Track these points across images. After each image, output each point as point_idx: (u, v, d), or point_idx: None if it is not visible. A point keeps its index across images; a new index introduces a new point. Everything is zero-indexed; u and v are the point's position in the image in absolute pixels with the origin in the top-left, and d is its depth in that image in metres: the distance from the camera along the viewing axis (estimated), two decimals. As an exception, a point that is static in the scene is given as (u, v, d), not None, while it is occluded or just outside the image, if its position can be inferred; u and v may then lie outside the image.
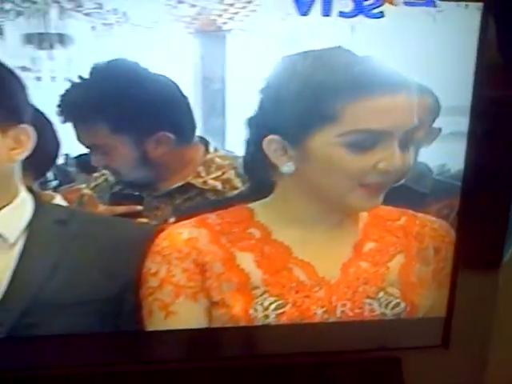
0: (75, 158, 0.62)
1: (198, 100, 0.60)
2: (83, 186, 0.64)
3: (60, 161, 0.60)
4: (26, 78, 0.53)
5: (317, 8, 0.53)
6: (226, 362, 0.60)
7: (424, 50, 0.58)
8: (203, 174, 0.67)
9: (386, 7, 0.55)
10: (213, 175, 0.67)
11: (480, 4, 0.55)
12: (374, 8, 0.54)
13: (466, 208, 0.58)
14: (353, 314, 0.55)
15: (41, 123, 0.55)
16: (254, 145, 0.56)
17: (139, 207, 0.63)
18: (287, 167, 0.52)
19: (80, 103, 0.59)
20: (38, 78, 0.55)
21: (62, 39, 0.54)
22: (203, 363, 0.59)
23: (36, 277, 0.54)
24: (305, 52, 0.51)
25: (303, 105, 0.50)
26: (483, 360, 0.64)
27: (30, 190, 0.57)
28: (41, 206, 0.57)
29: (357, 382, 0.64)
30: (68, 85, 0.58)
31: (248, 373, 0.61)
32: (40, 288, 0.54)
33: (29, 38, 0.54)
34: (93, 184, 0.66)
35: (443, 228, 0.59)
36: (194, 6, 0.53)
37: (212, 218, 0.55)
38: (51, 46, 0.54)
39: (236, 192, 0.66)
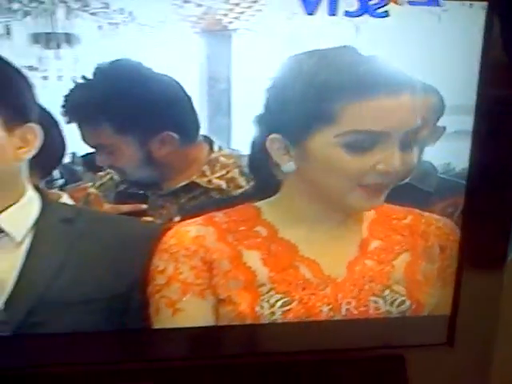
0: (82, 156, 0.63)
1: (204, 99, 0.61)
2: (89, 184, 0.65)
3: (66, 159, 0.61)
4: (33, 78, 0.53)
5: (323, 7, 0.53)
6: (230, 360, 0.61)
7: (428, 49, 0.58)
8: (208, 173, 0.67)
9: (390, 6, 0.55)
10: (217, 174, 0.67)
11: (485, 3, 0.55)
12: (379, 7, 0.54)
13: (470, 207, 0.59)
14: (357, 313, 0.55)
15: (47, 122, 0.55)
16: (259, 144, 0.56)
17: (144, 206, 0.64)
18: (288, 166, 0.53)
19: (84, 103, 0.60)
20: (45, 78, 0.55)
21: (68, 39, 0.54)
22: (208, 361, 0.59)
23: (42, 275, 0.54)
24: (308, 52, 0.51)
25: (304, 105, 0.50)
26: (488, 358, 0.64)
27: (36, 188, 0.58)
28: (47, 204, 0.57)
29: (361, 380, 0.64)
30: (73, 85, 0.58)
31: (252, 371, 0.61)
32: (46, 286, 0.54)
33: (36, 38, 0.54)
34: (98, 183, 0.67)
35: (449, 227, 0.59)
36: (200, 5, 0.53)
37: (219, 216, 0.56)
38: (58, 46, 0.55)
39: (241, 191, 0.66)
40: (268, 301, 0.53)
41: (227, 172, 0.67)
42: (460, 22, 0.58)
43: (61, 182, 0.62)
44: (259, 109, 0.54)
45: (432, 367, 0.63)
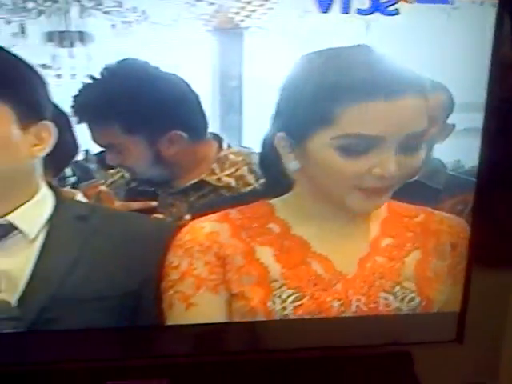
0: (95, 154, 0.63)
1: (216, 97, 0.61)
2: (101, 182, 0.65)
3: (80, 157, 0.61)
4: (47, 76, 0.54)
5: (336, 5, 0.54)
6: (240, 356, 0.61)
7: (438, 46, 0.58)
8: (217, 170, 0.68)
9: (400, 5, 0.56)
10: (226, 172, 0.67)
11: (495, 1, 0.56)
12: (390, 5, 0.54)
13: (480, 204, 0.59)
14: (368, 309, 0.55)
15: (61, 120, 0.56)
16: (269, 142, 0.57)
17: (154, 203, 0.64)
18: (293, 165, 0.53)
19: (92, 103, 0.60)
20: (59, 76, 0.55)
21: (82, 37, 0.55)
22: (223, 357, 0.59)
23: (56, 272, 0.55)
24: (316, 52, 0.52)
25: (306, 105, 0.50)
26: (497, 355, 0.64)
27: (50, 186, 0.58)
28: (61, 202, 0.58)
29: (370, 376, 0.65)
30: (82, 85, 0.59)
31: (261, 367, 0.61)
32: (60, 283, 0.55)
33: (50, 36, 0.55)
34: (109, 181, 0.67)
35: (460, 225, 0.59)
36: (212, 3, 0.53)
37: (233, 213, 0.56)
38: (71, 44, 0.55)
39: (252, 188, 0.66)
40: (280, 296, 0.54)
41: (236, 170, 0.68)
42: (470, 20, 0.58)
43: (73, 179, 0.63)
44: (271, 107, 0.55)
45: (441, 364, 0.63)
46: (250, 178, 0.67)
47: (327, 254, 0.55)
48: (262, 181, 0.67)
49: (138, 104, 0.61)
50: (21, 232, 0.55)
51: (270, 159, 0.57)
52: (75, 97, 0.59)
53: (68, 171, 0.63)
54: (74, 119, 0.58)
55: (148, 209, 0.63)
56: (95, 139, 0.63)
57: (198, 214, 0.59)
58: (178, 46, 0.54)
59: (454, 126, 0.68)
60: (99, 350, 0.58)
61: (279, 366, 0.62)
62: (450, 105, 0.67)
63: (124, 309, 0.57)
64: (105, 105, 0.61)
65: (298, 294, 0.54)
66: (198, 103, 0.63)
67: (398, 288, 0.56)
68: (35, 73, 0.53)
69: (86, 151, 0.63)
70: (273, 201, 0.57)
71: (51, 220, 0.56)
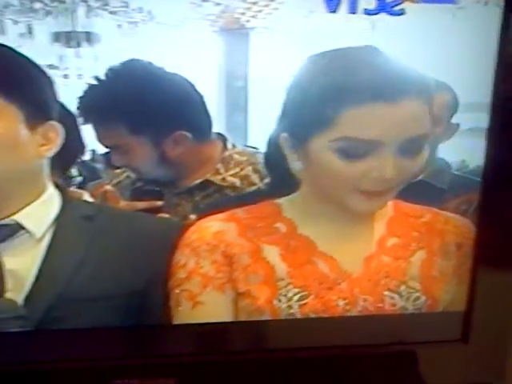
0: (102, 154, 0.64)
1: (222, 97, 0.62)
2: (106, 182, 0.66)
3: (87, 157, 0.62)
4: (54, 76, 0.54)
5: (344, 5, 0.54)
6: (244, 355, 0.61)
7: (443, 46, 0.59)
8: (222, 170, 0.68)
9: (405, 4, 0.56)
10: (231, 172, 0.68)
11: (500, 1, 0.56)
12: (396, 5, 0.54)
13: (486, 204, 0.59)
14: (374, 309, 0.55)
15: (68, 120, 0.56)
16: (274, 141, 0.57)
17: (160, 203, 0.65)
18: (296, 165, 0.54)
19: (97, 105, 0.61)
20: (66, 76, 0.56)
21: (88, 37, 0.55)
22: (231, 356, 0.59)
23: (62, 271, 0.55)
24: (320, 53, 0.52)
25: (309, 106, 0.50)
26: (503, 354, 0.64)
27: (57, 186, 0.58)
28: (68, 202, 0.58)
29: (375, 376, 0.65)
30: (90, 84, 0.59)
31: (265, 366, 0.61)
32: (66, 283, 0.55)
33: (57, 37, 0.55)
34: (115, 180, 0.68)
35: (465, 225, 0.59)
36: (218, 4, 0.54)
37: (240, 212, 0.57)
38: (78, 44, 0.56)
39: (257, 188, 0.67)
40: (285, 295, 0.54)
41: (241, 169, 0.68)
42: (475, 20, 0.58)
43: (79, 179, 0.63)
44: (276, 107, 0.55)
45: (446, 363, 0.63)
46: (255, 178, 0.68)
47: (333, 254, 0.55)
48: (266, 180, 0.67)
49: (142, 105, 0.61)
50: (27, 232, 0.55)
51: (275, 159, 0.57)
52: (80, 98, 0.60)
53: (74, 171, 0.63)
54: (79, 120, 0.59)
55: (153, 208, 0.64)
56: (100, 140, 0.64)
57: (203, 213, 0.59)
58: (183, 46, 0.55)
59: (458, 125, 0.68)
60: (106, 349, 0.58)
61: (284, 366, 0.62)
62: (455, 104, 0.67)
63: (130, 308, 0.57)
64: (110, 106, 0.61)
65: (303, 293, 0.54)
66: (203, 103, 0.63)
67: (403, 287, 0.56)
68: (43, 73, 0.54)
69: (93, 151, 0.63)
70: (280, 200, 0.58)
71: (58, 220, 0.56)
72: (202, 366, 0.59)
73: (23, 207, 0.55)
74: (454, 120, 0.66)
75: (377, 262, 0.56)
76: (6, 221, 0.54)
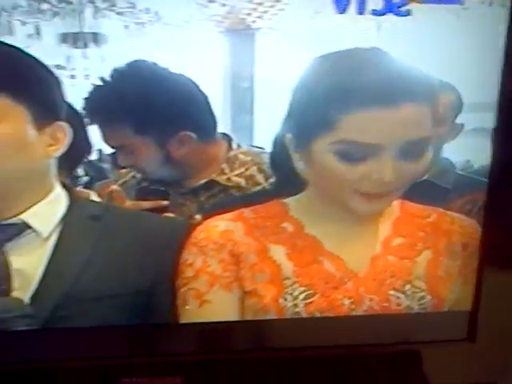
0: (109, 154, 0.64)
1: (227, 98, 0.62)
2: (114, 182, 0.66)
3: (93, 157, 0.62)
4: (61, 76, 0.54)
5: (352, 6, 0.54)
6: (251, 354, 0.62)
7: (447, 47, 0.59)
8: (227, 170, 0.68)
9: (411, 5, 0.56)
10: (236, 172, 0.68)
11: (505, 2, 0.56)
12: (402, 6, 0.55)
13: (492, 204, 0.59)
14: (380, 308, 0.56)
15: (75, 120, 0.56)
16: (280, 141, 0.57)
17: (165, 202, 0.65)
18: (300, 165, 0.54)
19: (103, 105, 0.61)
20: (73, 76, 0.56)
21: (95, 38, 0.56)
22: (237, 355, 0.60)
23: (69, 270, 0.55)
24: (324, 55, 0.52)
25: (312, 108, 0.51)
26: (509, 353, 0.64)
27: (64, 185, 0.58)
28: (75, 201, 0.58)
29: (380, 375, 0.65)
30: (95, 85, 0.59)
31: (271, 364, 0.62)
32: (73, 281, 0.55)
33: (64, 37, 0.55)
34: (121, 180, 0.68)
35: (471, 226, 0.59)
36: (224, 5, 0.54)
37: (248, 212, 0.57)
38: (85, 45, 0.56)
39: (262, 188, 0.67)
40: (291, 293, 0.54)
41: (246, 169, 0.68)
42: (479, 20, 0.58)
43: (85, 179, 0.64)
44: (282, 107, 0.55)
45: (451, 363, 0.63)
46: (260, 178, 0.68)
47: (339, 253, 0.56)
48: (271, 180, 0.67)
49: (147, 105, 0.61)
50: (34, 231, 0.55)
51: (280, 159, 0.58)
52: (86, 99, 0.60)
53: (80, 171, 0.63)
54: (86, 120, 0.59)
55: (159, 208, 0.64)
56: (106, 140, 0.64)
57: (208, 213, 0.60)
58: (190, 46, 0.55)
59: (462, 125, 0.68)
60: (114, 348, 0.59)
61: (290, 364, 0.62)
62: (459, 105, 0.67)
63: (136, 307, 0.57)
64: (115, 106, 0.62)
65: (309, 292, 0.54)
66: (207, 103, 0.64)
67: (408, 286, 0.56)
68: (51, 73, 0.54)
69: (100, 151, 0.63)
70: (287, 200, 0.58)
71: (65, 219, 0.56)
72: (208, 364, 0.59)
73: (30, 206, 0.55)
74: (458, 120, 0.67)
75: (382, 261, 0.56)
76: (13, 220, 0.54)
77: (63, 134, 0.54)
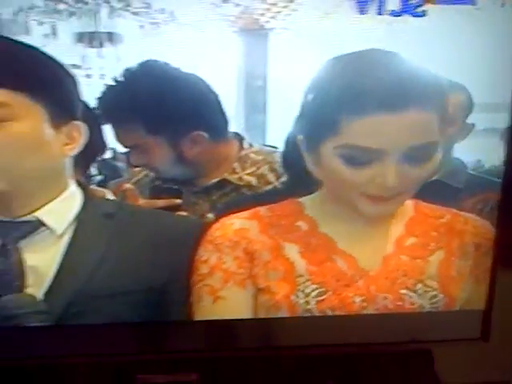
0: (123, 153, 0.65)
1: (241, 97, 0.62)
2: (128, 180, 0.67)
3: (108, 156, 0.63)
4: (77, 76, 0.55)
5: (372, 7, 0.54)
6: (261, 352, 0.62)
7: (459, 47, 0.59)
8: (238, 169, 0.69)
9: (425, 6, 0.56)
10: (248, 171, 0.69)
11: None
12: (417, 7, 0.55)
13: (505, 204, 0.59)
14: (393, 307, 0.56)
15: (90, 119, 0.57)
16: (292, 141, 0.58)
17: (178, 201, 0.65)
18: (311, 166, 0.54)
19: (115, 106, 0.61)
20: (88, 76, 0.57)
21: (111, 38, 0.56)
22: (251, 353, 0.60)
23: (83, 268, 0.56)
24: (337, 57, 0.52)
25: (323, 111, 0.51)
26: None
27: (79, 184, 0.59)
28: (90, 199, 0.58)
29: (392, 374, 0.65)
30: (108, 85, 0.60)
31: (283, 362, 0.62)
32: (87, 279, 0.55)
33: (80, 37, 0.56)
34: (134, 179, 0.69)
35: (484, 226, 0.59)
36: (238, 5, 0.55)
37: (263, 210, 0.57)
38: (101, 45, 0.57)
39: (273, 187, 0.67)
40: (303, 290, 0.54)
41: (257, 168, 0.69)
42: (491, 21, 0.59)
43: (99, 178, 0.64)
44: (294, 106, 0.56)
45: (464, 362, 0.63)
46: (271, 177, 0.68)
47: (352, 252, 0.56)
48: (282, 179, 0.68)
49: (159, 105, 0.62)
50: (48, 228, 0.55)
51: (292, 158, 0.58)
52: (99, 99, 0.61)
53: (94, 170, 0.64)
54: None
55: (172, 207, 0.64)
56: (119, 140, 0.65)
57: (220, 212, 0.60)
58: (204, 46, 0.56)
59: (473, 125, 0.69)
60: (129, 345, 0.59)
61: (302, 362, 0.62)
62: (469, 105, 0.68)
63: (149, 304, 0.57)
64: (127, 106, 0.62)
65: (321, 289, 0.55)
66: (219, 103, 0.64)
67: (420, 286, 0.56)
68: (67, 73, 0.54)
69: (114, 150, 0.64)
70: (302, 199, 0.58)
71: (79, 217, 0.57)
72: (223, 361, 0.59)
73: (45, 204, 0.55)
74: (469, 120, 0.67)
75: (395, 260, 0.56)
76: (28, 217, 0.55)
77: (79, 134, 0.55)
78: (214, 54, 0.57)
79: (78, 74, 0.56)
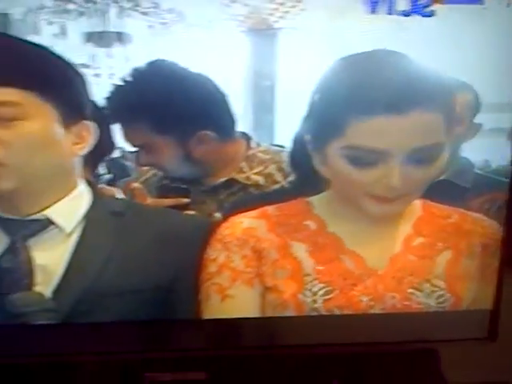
0: (131, 152, 0.65)
1: (249, 96, 0.62)
2: (137, 179, 0.67)
3: (116, 155, 0.63)
4: (86, 75, 0.55)
5: (382, 6, 0.55)
6: (269, 350, 0.62)
7: (466, 47, 0.59)
8: (246, 169, 0.69)
9: (433, 6, 0.57)
10: (255, 170, 0.69)
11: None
12: (426, 7, 0.55)
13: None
14: (401, 306, 0.56)
15: (99, 118, 0.57)
16: (300, 140, 0.58)
17: (186, 200, 0.66)
18: (318, 165, 0.55)
19: (123, 105, 0.62)
20: (97, 75, 0.57)
21: (120, 37, 0.56)
22: (254, 351, 0.60)
23: (91, 266, 0.56)
24: (343, 58, 0.53)
25: (327, 112, 0.52)
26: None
27: (88, 182, 0.59)
28: (98, 198, 0.59)
29: (399, 374, 0.65)
30: (116, 85, 0.60)
31: (290, 361, 0.62)
32: (95, 277, 0.56)
33: (89, 37, 0.56)
34: (143, 178, 0.69)
35: (492, 226, 0.60)
36: (246, 5, 0.55)
37: (271, 209, 0.58)
38: (110, 44, 0.57)
39: (280, 186, 0.67)
40: (311, 289, 0.55)
41: (265, 168, 0.69)
42: (498, 20, 0.59)
43: (108, 177, 0.64)
44: (303, 106, 0.56)
45: (471, 361, 0.63)
46: (278, 176, 0.69)
47: (360, 252, 0.56)
48: (289, 179, 0.68)
49: (167, 105, 0.62)
50: (57, 227, 0.56)
51: (300, 157, 0.58)
52: (107, 98, 0.61)
53: (103, 169, 0.64)
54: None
55: (180, 205, 0.64)
56: (127, 139, 0.65)
57: (228, 212, 0.60)
58: (213, 46, 0.56)
59: (480, 125, 0.69)
60: (137, 343, 0.59)
61: (309, 361, 0.63)
62: (476, 104, 0.68)
63: (157, 302, 0.58)
64: (135, 106, 0.62)
65: (328, 288, 0.55)
66: (226, 102, 0.64)
67: (427, 285, 0.56)
68: (77, 73, 0.55)
69: (122, 149, 0.64)
70: (310, 198, 0.59)
71: (87, 215, 0.57)
72: (231, 360, 0.60)
73: (54, 203, 0.56)
74: (476, 120, 0.67)
75: (402, 260, 0.57)
76: (37, 216, 0.55)
77: (88, 133, 0.55)
78: (223, 54, 0.58)
79: (87, 73, 0.56)
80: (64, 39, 0.55)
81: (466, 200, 0.66)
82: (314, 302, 0.54)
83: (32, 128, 0.52)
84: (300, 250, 0.56)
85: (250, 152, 0.69)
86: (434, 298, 0.56)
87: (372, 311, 0.56)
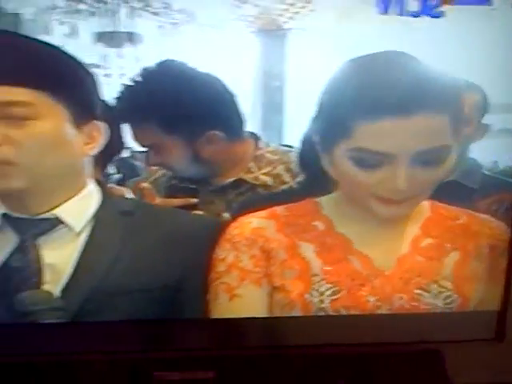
0: (141, 152, 0.65)
1: (258, 97, 0.63)
2: (146, 179, 0.67)
3: (126, 155, 0.63)
4: (97, 75, 0.56)
5: (393, 7, 0.55)
6: (276, 350, 0.62)
7: (475, 47, 0.59)
8: (254, 169, 0.69)
9: (442, 7, 0.57)
10: (263, 170, 0.69)
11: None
12: (436, 7, 0.55)
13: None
14: (409, 307, 0.56)
15: (110, 118, 0.57)
16: (308, 140, 0.58)
17: (194, 200, 0.66)
18: (326, 166, 0.55)
19: (132, 105, 0.62)
20: (108, 75, 0.57)
21: (130, 37, 0.57)
22: (263, 351, 0.61)
23: (100, 265, 0.56)
24: (352, 59, 0.53)
25: (335, 114, 0.52)
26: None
27: (98, 182, 0.60)
28: (108, 198, 0.59)
29: (405, 374, 0.65)
30: (125, 85, 0.60)
31: (296, 361, 0.62)
32: (103, 276, 0.56)
33: (100, 37, 0.57)
34: (152, 178, 0.69)
35: (500, 227, 0.60)
36: (256, 5, 0.55)
37: (280, 209, 0.58)
38: (120, 45, 0.57)
39: (289, 186, 0.68)
40: (318, 289, 0.55)
41: (273, 168, 0.69)
42: (507, 21, 0.59)
43: (117, 176, 0.64)
44: (312, 106, 0.56)
45: (478, 362, 0.63)
46: (287, 177, 0.69)
47: (368, 252, 0.56)
48: (298, 179, 0.68)
49: (176, 105, 0.62)
50: (66, 226, 0.56)
51: (309, 157, 0.58)
52: (117, 98, 0.61)
53: (112, 168, 0.64)
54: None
55: (189, 205, 0.65)
56: (136, 139, 0.65)
57: (237, 212, 0.61)
58: (223, 46, 0.56)
59: (488, 126, 0.69)
60: (146, 342, 0.60)
61: (315, 361, 0.63)
62: (485, 105, 0.68)
63: (165, 301, 0.58)
64: (144, 106, 0.63)
65: (335, 288, 0.55)
66: (234, 103, 0.65)
67: (434, 286, 0.56)
68: (88, 73, 0.55)
69: (132, 149, 0.64)
70: (319, 199, 0.59)
71: (97, 215, 0.57)
72: (241, 359, 0.60)
73: (63, 202, 0.56)
74: (485, 121, 0.67)
75: (410, 261, 0.57)
76: (47, 215, 0.55)
77: (99, 133, 0.56)
78: (233, 55, 0.58)
79: (98, 73, 0.56)
80: (75, 39, 0.56)
81: (473, 201, 0.66)
82: (321, 302, 0.54)
83: (43, 128, 0.52)
84: (308, 250, 0.56)
85: (259, 152, 0.69)
86: (441, 298, 0.56)
87: (379, 312, 0.56)
